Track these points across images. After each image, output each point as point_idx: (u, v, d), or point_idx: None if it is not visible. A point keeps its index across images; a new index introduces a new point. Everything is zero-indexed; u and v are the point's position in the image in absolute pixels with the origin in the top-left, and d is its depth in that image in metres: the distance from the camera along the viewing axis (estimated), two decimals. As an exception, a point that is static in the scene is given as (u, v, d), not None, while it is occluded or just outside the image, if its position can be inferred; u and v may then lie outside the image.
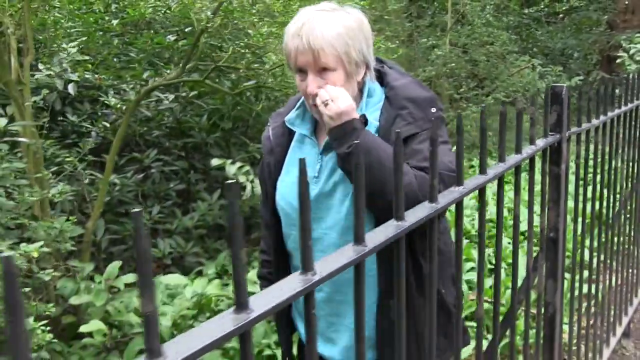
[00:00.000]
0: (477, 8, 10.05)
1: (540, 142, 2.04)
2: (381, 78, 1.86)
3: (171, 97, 4.96)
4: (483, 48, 9.64)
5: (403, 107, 1.75)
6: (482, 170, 1.49)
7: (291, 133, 1.92)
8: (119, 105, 5.48)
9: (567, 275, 2.79)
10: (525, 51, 11.96)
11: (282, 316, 2.04)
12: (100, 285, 3.34)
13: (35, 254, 2.40)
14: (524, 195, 3.57)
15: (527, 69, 9.84)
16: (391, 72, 1.86)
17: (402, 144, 1.07)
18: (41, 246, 2.64)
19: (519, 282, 2.23)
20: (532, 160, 1.97)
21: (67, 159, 3.68)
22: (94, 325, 2.96)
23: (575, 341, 2.73)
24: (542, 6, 15.30)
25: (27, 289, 2.32)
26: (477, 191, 1.46)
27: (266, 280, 2.09)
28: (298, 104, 1.88)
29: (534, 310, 2.38)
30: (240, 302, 0.74)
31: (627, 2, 13.16)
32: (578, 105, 2.44)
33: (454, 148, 1.49)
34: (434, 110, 1.77)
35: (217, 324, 0.72)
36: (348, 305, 1.80)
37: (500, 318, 1.88)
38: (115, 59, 5.91)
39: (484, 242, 1.53)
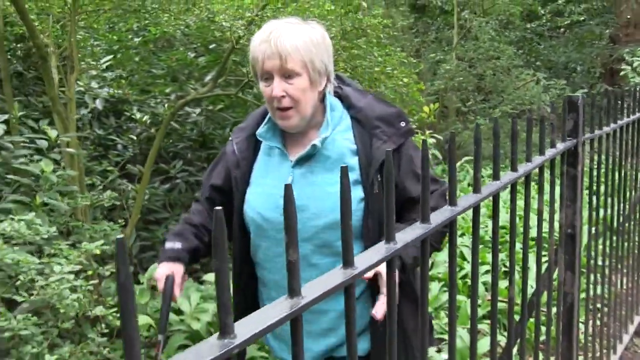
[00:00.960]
0: (482, 23, 10.34)
1: (560, 146, 2.28)
2: (341, 98, 1.92)
3: (197, 110, 5.20)
4: (489, 62, 9.93)
5: (375, 126, 1.82)
6: (496, 176, 1.72)
7: (256, 146, 1.95)
8: (144, 119, 5.76)
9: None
10: (529, 65, 12.25)
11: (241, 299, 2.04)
12: (142, 285, 3.56)
13: (97, 251, 2.64)
14: (533, 204, 3.82)
15: (532, 82, 10.11)
16: (352, 93, 1.92)
17: (392, 160, 1.08)
18: (96, 247, 2.87)
19: (529, 282, 2.45)
20: (552, 162, 2.21)
21: (108, 169, 3.92)
22: (141, 319, 3.18)
23: (590, 338, 2.95)
24: (544, 21, 15.61)
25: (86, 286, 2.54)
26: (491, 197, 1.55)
27: (177, 236, 1.97)
28: (267, 118, 1.90)
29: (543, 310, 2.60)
30: (225, 328, 0.72)
31: (629, 17, 13.48)
32: (591, 114, 2.68)
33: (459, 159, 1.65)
34: (402, 124, 1.85)
35: (202, 349, 0.71)
36: (321, 313, 1.84)
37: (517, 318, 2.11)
38: (136, 76, 6.16)
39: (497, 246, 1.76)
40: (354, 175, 1.80)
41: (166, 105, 5.97)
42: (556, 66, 13.14)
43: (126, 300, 0.64)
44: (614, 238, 3.16)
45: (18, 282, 2.25)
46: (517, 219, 1.87)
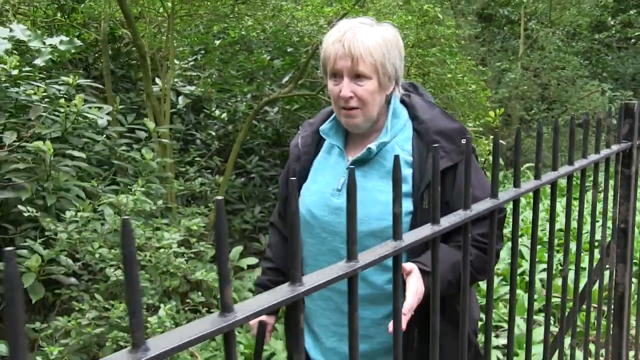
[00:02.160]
0: (549, 34, 10.44)
1: (614, 147, 2.52)
2: (407, 107, 1.89)
3: (275, 109, 5.59)
4: (554, 72, 10.02)
5: (434, 140, 1.76)
6: (537, 176, 1.98)
7: (319, 143, 1.95)
8: (222, 116, 6.20)
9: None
10: (595, 76, 12.23)
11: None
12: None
13: (196, 228, 3.02)
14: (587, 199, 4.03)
15: (597, 92, 10.14)
16: (420, 104, 1.89)
17: (439, 158, 1.12)
18: (194, 224, 3.26)
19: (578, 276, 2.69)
20: (607, 161, 2.46)
21: (196, 159, 4.34)
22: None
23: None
24: (614, 31, 15.46)
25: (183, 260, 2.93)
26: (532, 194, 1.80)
27: (263, 288, 2.05)
28: (332, 116, 1.90)
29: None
30: (225, 306, 0.76)
31: (701, 29, 13.22)
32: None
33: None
34: (464, 141, 1.78)
35: (202, 323, 0.74)
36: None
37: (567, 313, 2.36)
38: (214, 75, 6.60)
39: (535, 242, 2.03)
40: (405, 188, 1.77)
41: (244, 104, 6.41)
42: (623, 77, 13.03)
43: (221, 253, 0.73)
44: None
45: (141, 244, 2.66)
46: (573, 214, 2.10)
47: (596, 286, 2.80)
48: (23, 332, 0.59)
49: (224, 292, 0.77)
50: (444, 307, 1.70)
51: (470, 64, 4.55)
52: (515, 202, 1.47)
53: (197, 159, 4.46)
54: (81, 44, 2.56)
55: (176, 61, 6.12)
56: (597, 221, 2.46)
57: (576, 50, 12.42)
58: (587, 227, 5.01)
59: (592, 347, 3.05)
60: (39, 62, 2.23)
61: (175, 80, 6.30)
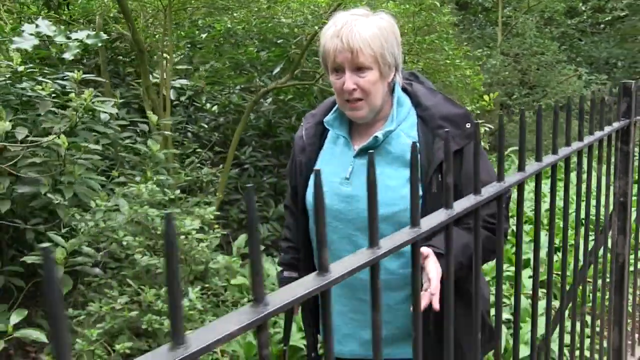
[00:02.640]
0: (527, 20, 10.64)
1: (615, 124, 2.67)
2: (410, 95, 1.92)
3: (269, 100, 5.67)
4: (534, 57, 10.24)
5: (439, 126, 1.81)
6: (538, 158, 2.12)
7: (323, 134, 1.98)
8: (214, 109, 6.25)
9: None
10: (571, 60, 12.51)
11: (308, 314, 2.08)
12: (233, 254, 4.04)
13: (212, 216, 3.11)
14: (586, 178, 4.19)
15: (574, 77, 10.39)
16: (422, 91, 1.91)
17: (450, 145, 1.15)
18: (210, 212, 3.34)
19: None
20: (609, 137, 2.60)
21: (198, 150, 4.41)
22: (240, 280, 3.65)
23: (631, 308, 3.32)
24: (585, 17, 15.77)
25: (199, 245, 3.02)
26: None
27: (288, 266, 2.12)
28: (335, 107, 1.93)
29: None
30: (258, 297, 0.77)
31: (671, 13, 13.59)
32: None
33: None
34: (468, 125, 1.84)
35: (236, 317, 0.75)
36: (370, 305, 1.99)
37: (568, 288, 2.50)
38: (201, 69, 6.64)
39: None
40: None
41: (234, 96, 6.47)
42: (597, 61, 13.35)
43: (253, 242, 0.76)
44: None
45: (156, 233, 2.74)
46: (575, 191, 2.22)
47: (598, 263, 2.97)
48: (64, 316, 0.61)
49: (256, 283, 0.77)
50: (456, 290, 1.66)
51: (466, 50, 4.70)
52: (520, 185, 1.51)
53: (198, 150, 4.53)
54: (107, 37, 2.62)
55: (167, 55, 6.17)
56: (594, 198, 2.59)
57: (552, 36, 12.68)
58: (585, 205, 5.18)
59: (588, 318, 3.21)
60: (67, 56, 2.29)
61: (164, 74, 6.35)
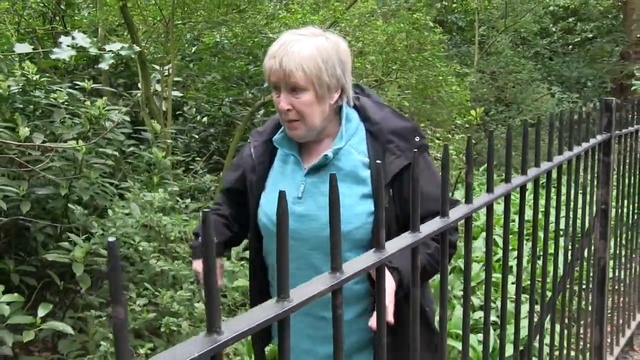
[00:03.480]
0: (503, 40, 11.06)
1: (598, 137, 2.93)
2: (358, 109, 1.91)
3: (261, 111, 5.88)
4: (510, 75, 10.63)
5: (389, 140, 1.81)
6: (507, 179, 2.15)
7: (273, 152, 1.96)
8: (203, 120, 6.44)
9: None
10: (544, 79, 12.98)
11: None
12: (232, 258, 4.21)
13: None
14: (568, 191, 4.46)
15: (548, 95, 10.81)
16: (369, 105, 1.91)
17: (382, 175, 1.13)
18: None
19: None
20: (593, 149, 2.85)
21: (197, 159, 4.60)
22: (240, 282, 3.82)
23: (610, 312, 3.59)
24: (556, 38, 16.33)
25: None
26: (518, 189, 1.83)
27: (219, 215, 2.07)
28: (283, 126, 1.90)
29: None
30: (212, 326, 0.76)
31: (638, 35, 14.20)
32: (619, 116, 3.33)
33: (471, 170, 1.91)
34: (417, 139, 1.84)
35: (188, 346, 0.74)
36: (326, 321, 1.80)
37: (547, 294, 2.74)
38: (189, 81, 6.82)
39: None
40: (365, 189, 1.81)
41: (225, 107, 6.67)
42: (569, 81, 13.87)
43: (209, 265, 0.77)
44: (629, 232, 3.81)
45: (172, 238, 2.92)
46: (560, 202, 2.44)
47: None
48: (125, 301, 0.72)
49: (212, 308, 0.77)
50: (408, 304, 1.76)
51: (454, 67, 4.98)
52: (507, 197, 1.72)
53: (197, 158, 4.71)
54: (139, 49, 2.80)
55: (157, 67, 6.35)
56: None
57: (524, 55, 13.14)
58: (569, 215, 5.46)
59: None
60: (103, 66, 2.45)
61: (157, 85, 6.52)
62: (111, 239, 0.70)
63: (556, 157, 2.21)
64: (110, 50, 2.48)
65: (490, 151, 1.60)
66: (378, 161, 1.12)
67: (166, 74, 6.35)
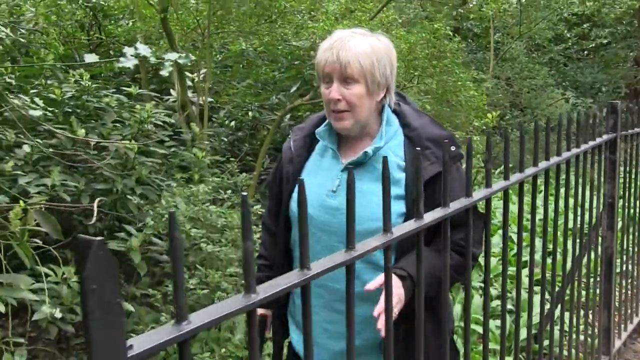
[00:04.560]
0: (518, 46, 11.35)
1: (605, 137, 3.22)
2: (398, 115, 1.98)
3: (288, 116, 6.21)
4: (525, 81, 10.92)
5: (425, 147, 1.87)
6: (521, 168, 2.61)
7: (311, 146, 2.02)
8: (232, 124, 6.79)
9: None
10: (558, 84, 13.24)
11: (276, 322, 2.13)
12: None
13: (260, 213, 3.62)
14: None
15: (562, 100, 11.07)
16: (409, 112, 1.98)
17: (420, 159, 1.27)
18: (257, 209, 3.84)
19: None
20: (600, 147, 3.15)
21: (231, 159, 4.94)
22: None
23: (618, 303, 3.87)
24: (570, 44, 16.57)
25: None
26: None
27: (267, 267, 2.14)
28: (327, 121, 1.97)
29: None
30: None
31: (652, 41, 14.44)
32: (626, 118, 3.62)
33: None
34: (453, 148, 1.87)
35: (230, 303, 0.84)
36: (344, 316, 2.14)
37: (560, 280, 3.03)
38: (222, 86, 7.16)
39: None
40: (398, 190, 1.85)
41: (254, 112, 7.02)
42: (583, 86, 14.12)
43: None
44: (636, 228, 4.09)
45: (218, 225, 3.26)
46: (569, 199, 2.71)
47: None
48: (183, 282, 0.84)
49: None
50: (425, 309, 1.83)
51: (473, 73, 5.29)
52: (506, 192, 1.99)
53: (231, 159, 5.05)
54: (195, 58, 3.14)
55: (189, 74, 6.70)
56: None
57: (539, 61, 13.41)
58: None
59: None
60: (164, 73, 2.79)
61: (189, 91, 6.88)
62: (172, 209, 0.87)
63: (565, 152, 2.51)
64: (169, 59, 2.81)
65: (506, 145, 1.85)
66: (384, 155, 1.23)
67: (196, 79, 6.75)
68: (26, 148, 3.25)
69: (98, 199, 2.98)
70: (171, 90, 6.25)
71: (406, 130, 1.93)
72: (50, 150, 3.49)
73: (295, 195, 1.94)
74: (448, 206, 1.44)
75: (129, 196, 3.40)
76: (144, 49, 2.86)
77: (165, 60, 2.82)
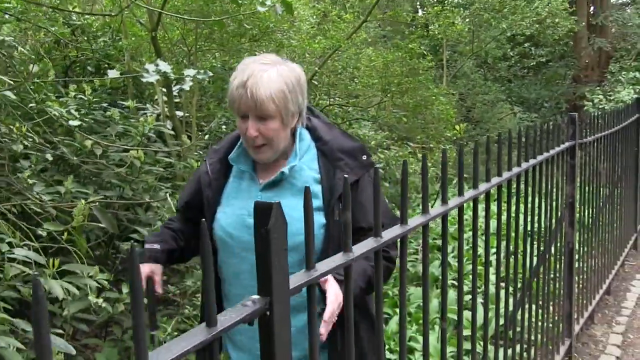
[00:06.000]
0: (468, 64, 12.03)
1: (567, 144, 3.70)
2: (309, 130, 2.03)
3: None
4: (477, 97, 11.58)
5: (339, 159, 1.95)
6: (443, 200, 3.05)
7: (228, 168, 2.04)
8: (206, 138, 7.06)
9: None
10: (506, 100, 14.04)
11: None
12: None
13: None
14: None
15: (510, 115, 11.79)
16: (320, 126, 2.04)
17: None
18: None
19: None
20: (561, 154, 3.62)
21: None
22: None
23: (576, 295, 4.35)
24: (513, 62, 17.50)
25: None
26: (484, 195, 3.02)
27: (157, 236, 2.12)
28: (238, 144, 2.01)
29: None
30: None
31: (587, 61, 15.46)
32: (580, 128, 4.12)
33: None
34: (364, 157, 1.98)
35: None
36: None
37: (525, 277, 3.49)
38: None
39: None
40: (316, 202, 1.90)
41: (224, 126, 7.31)
42: (528, 101, 14.98)
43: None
44: (591, 221, 4.61)
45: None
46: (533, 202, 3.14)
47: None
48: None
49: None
50: (360, 312, 1.91)
51: (443, 89, 5.77)
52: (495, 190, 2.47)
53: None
54: (212, 74, 3.43)
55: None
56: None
57: (488, 78, 14.18)
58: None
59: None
60: (186, 87, 3.09)
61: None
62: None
63: (531, 160, 2.95)
64: (188, 75, 3.12)
65: (460, 161, 1.95)
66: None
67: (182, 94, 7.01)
68: (48, 156, 3.48)
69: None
70: (147, 105, 6.51)
71: (319, 144, 2.00)
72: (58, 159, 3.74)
73: (219, 219, 1.98)
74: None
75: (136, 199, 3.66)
76: (164, 66, 3.17)
77: (185, 76, 3.14)
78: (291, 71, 1.90)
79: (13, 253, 2.27)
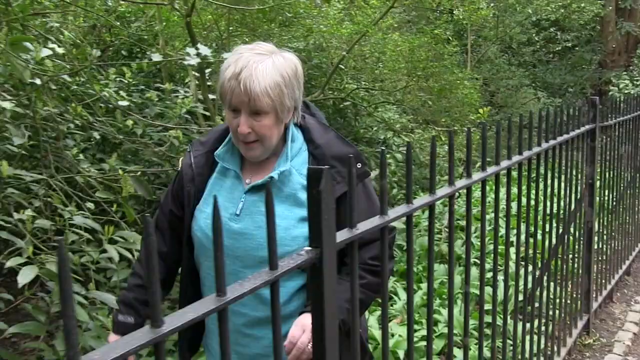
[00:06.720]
0: (492, 48, 12.08)
1: (587, 126, 3.84)
2: (303, 130, 1.88)
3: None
4: (501, 82, 11.65)
5: (331, 166, 1.76)
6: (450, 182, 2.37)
7: (213, 163, 1.90)
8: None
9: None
10: (530, 85, 14.07)
11: (184, 343, 2.05)
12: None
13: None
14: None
15: (534, 100, 11.84)
16: (315, 127, 1.89)
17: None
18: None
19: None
20: (582, 136, 3.76)
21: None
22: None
23: (595, 275, 4.50)
24: (538, 47, 17.44)
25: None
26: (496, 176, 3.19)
27: (128, 307, 1.98)
28: (226, 139, 1.87)
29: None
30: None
31: (614, 45, 15.37)
32: (601, 110, 4.25)
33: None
34: (359, 165, 1.83)
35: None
36: (255, 339, 1.86)
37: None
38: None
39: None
40: (304, 212, 1.75)
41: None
42: (552, 86, 14.98)
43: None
44: (613, 202, 4.74)
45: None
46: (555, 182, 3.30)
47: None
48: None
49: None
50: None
51: (467, 73, 5.90)
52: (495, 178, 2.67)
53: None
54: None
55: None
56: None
57: (510, 63, 14.20)
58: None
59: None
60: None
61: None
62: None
63: (551, 140, 3.11)
64: (225, 58, 3.32)
65: (484, 136, 2.31)
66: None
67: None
68: (96, 135, 3.71)
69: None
70: (179, 88, 6.73)
71: (311, 147, 1.86)
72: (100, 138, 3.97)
73: (197, 219, 1.88)
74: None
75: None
76: (204, 49, 3.37)
77: (224, 59, 3.33)
78: (288, 62, 1.76)
79: (73, 220, 2.49)
